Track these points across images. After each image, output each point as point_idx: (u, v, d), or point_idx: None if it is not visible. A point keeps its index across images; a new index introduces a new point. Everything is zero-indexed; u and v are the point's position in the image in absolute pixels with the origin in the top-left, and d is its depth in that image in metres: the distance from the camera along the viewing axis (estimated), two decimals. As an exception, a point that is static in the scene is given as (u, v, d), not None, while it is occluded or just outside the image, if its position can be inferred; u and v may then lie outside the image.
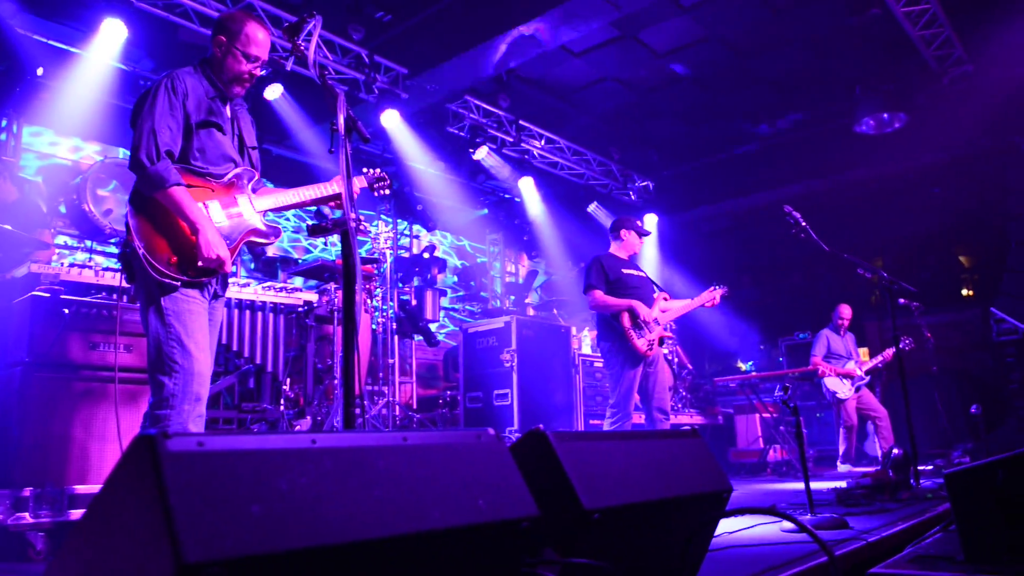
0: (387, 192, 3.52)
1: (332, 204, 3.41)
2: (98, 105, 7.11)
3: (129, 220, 2.87)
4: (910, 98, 8.84)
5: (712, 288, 5.75)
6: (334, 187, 3.35)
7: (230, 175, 3.10)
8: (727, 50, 8.97)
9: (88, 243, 7.04)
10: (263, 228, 3.17)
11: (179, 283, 2.86)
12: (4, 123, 7.21)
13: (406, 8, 7.99)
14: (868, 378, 7.88)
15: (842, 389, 7.78)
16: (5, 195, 5.28)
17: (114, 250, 6.95)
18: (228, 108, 3.20)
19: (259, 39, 3.11)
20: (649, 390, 5.32)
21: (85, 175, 6.50)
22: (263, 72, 3.26)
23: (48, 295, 3.71)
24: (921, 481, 4.92)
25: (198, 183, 3.00)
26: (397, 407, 6.73)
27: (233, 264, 3.31)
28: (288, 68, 3.52)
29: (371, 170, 3.53)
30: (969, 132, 9.38)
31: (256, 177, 3.20)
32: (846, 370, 7.83)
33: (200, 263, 2.87)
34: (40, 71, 6.75)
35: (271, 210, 3.24)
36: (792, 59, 9.21)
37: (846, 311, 8.17)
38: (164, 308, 2.84)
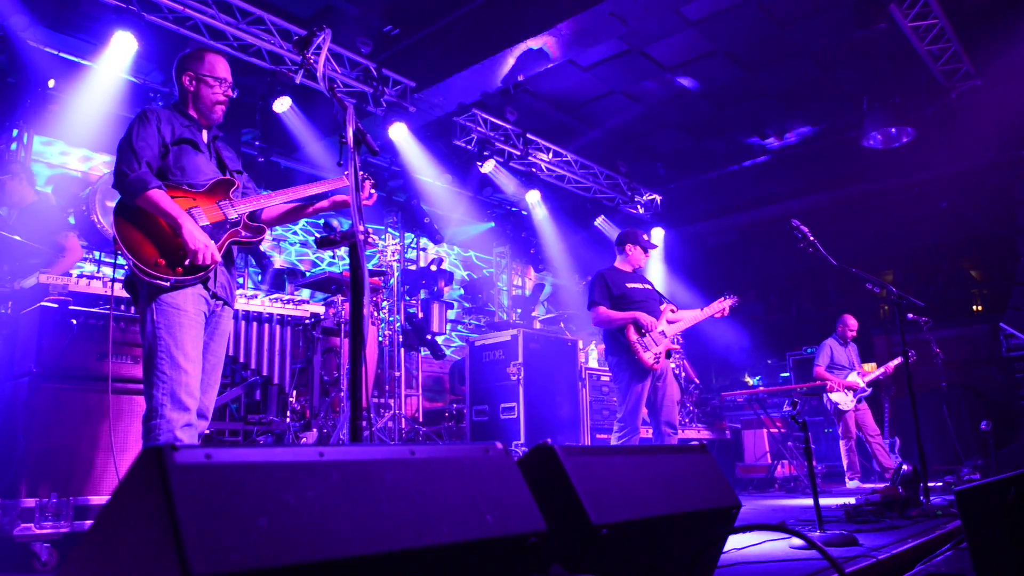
0: (372, 192, 3.53)
1: (324, 205, 3.44)
2: (108, 117, 7.16)
3: (116, 232, 2.98)
4: (918, 112, 8.83)
5: (722, 299, 5.72)
6: (315, 189, 3.46)
7: (209, 185, 3.20)
8: (734, 64, 8.99)
9: (97, 254, 7.07)
10: (244, 231, 3.25)
11: (168, 283, 2.94)
12: (15, 133, 7.27)
13: (414, 22, 8.04)
14: (870, 390, 7.83)
15: (844, 400, 7.75)
16: (21, 197, 5.31)
17: (123, 261, 6.97)
18: (205, 134, 3.35)
19: (220, 64, 3.33)
20: (658, 404, 5.29)
21: (94, 186, 6.53)
22: (234, 94, 3.37)
23: (56, 306, 3.71)
24: (931, 498, 4.88)
25: (179, 194, 3.10)
26: (403, 420, 6.72)
27: (235, 269, 3.34)
28: (297, 81, 3.55)
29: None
30: (977, 146, 9.37)
31: (236, 187, 3.28)
32: (848, 381, 7.80)
33: (187, 259, 2.96)
34: (52, 83, 6.81)
35: (251, 212, 3.32)
36: (799, 73, 9.23)
37: (852, 322, 8.13)
38: (156, 321, 2.95)
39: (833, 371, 7.93)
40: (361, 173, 3.54)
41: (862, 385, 7.78)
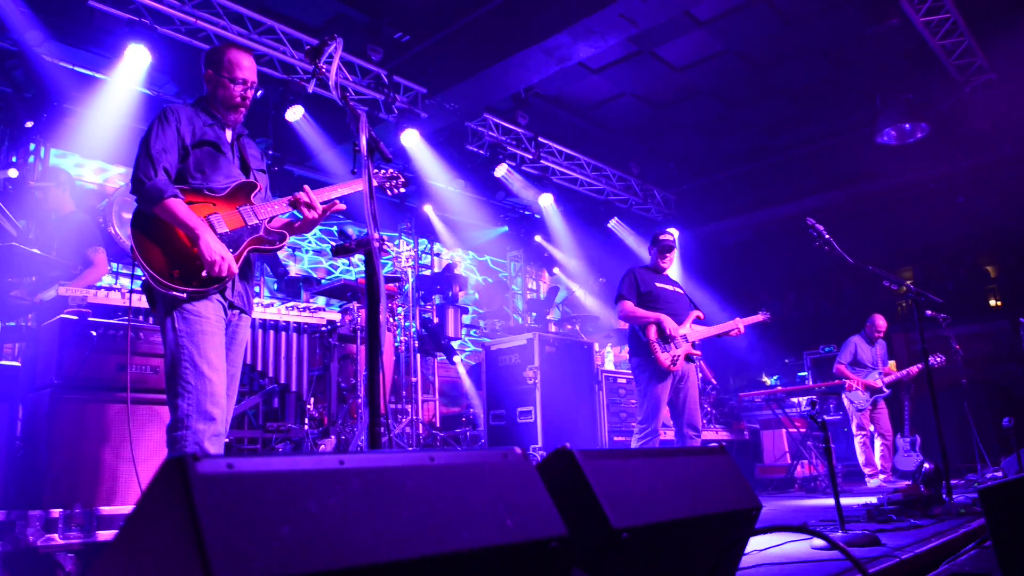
0: (402, 190, 3.50)
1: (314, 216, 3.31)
2: (123, 129, 7.23)
3: (132, 241, 2.93)
4: (932, 108, 8.77)
5: (760, 314, 5.77)
6: (327, 193, 3.35)
7: (230, 189, 3.15)
8: (744, 63, 8.97)
9: (114, 266, 7.12)
10: (266, 235, 3.20)
11: (185, 295, 2.90)
12: (32, 147, 7.35)
13: (424, 28, 8.07)
14: (888, 392, 7.77)
15: (859, 399, 7.72)
16: (62, 205, 5.36)
17: (140, 272, 7.03)
18: (228, 133, 3.28)
19: (243, 64, 3.24)
20: (680, 406, 5.27)
21: (111, 198, 6.59)
22: (257, 94, 3.31)
23: (76, 318, 3.75)
24: (954, 496, 4.83)
25: (198, 199, 3.05)
26: (420, 425, 6.73)
27: (252, 277, 3.32)
28: (310, 91, 3.54)
29: (382, 170, 3.52)
30: (993, 140, 9.30)
31: (258, 189, 3.22)
32: (867, 381, 7.76)
33: (204, 271, 2.91)
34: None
35: (272, 217, 3.24)
36: (810, 70, 9.19)
37: (880, 322, 8.07)
38: (178, 329, 2.90)
39: (855, 369, 7.88)
40: (389, 170, 3.54)
41: (880, 385, 7.73)
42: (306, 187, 3.26)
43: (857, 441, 7.73)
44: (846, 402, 7.90)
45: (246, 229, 3.13)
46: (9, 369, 3.74)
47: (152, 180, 2.93)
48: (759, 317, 5.80)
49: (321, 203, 3.25)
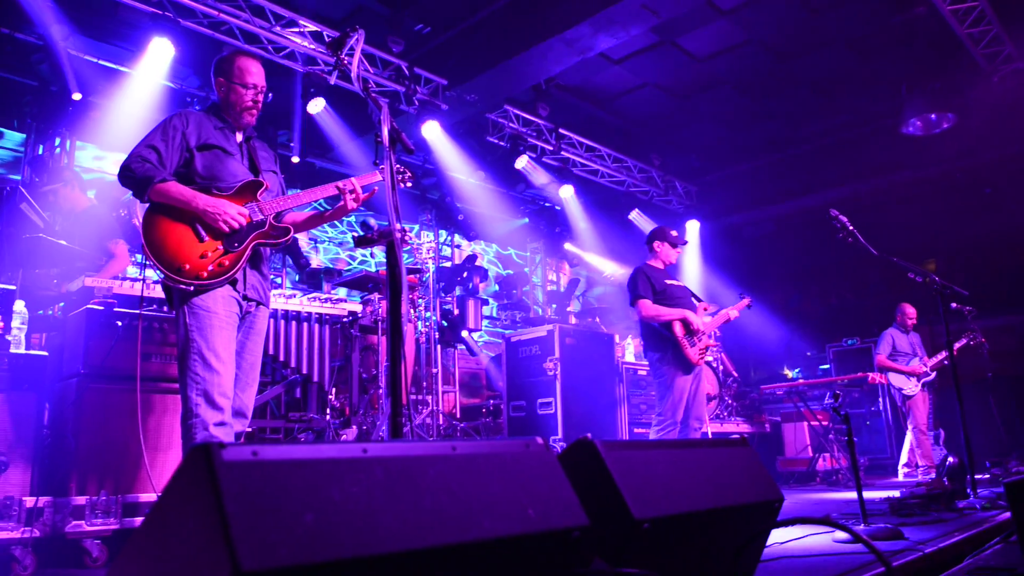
0: (408, 184, 3.54)
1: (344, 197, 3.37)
2: (147, 122, 7.28)
3: (143, 240, 3.05)
4: (958, 97, 8.63)
5: (742, 300, 5.82)
6: (376, 177, 3.43)
7: (237, 187, 3.25)
8: (768, 53, 8.88)
9: (138, 257, 7.20)
10: (271, 231, 3.27)
11: (192, 287, 3.01)
12: (57, 141, 7.44)
13: (445, 20, 8.06)
14: (934, 375, 7.64)
15: (908, 386, 7.59)
16: (74, 203, 5.43)
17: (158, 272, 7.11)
18: (239, 135, 3.40)
19: (252, 70, 3.36)
20: (690, 399, 5.31)
21: (135, 190, 6.65)
22: (267, 98, 3.40)
23: (102, 308, 3.79)
24: (978, 490, 4.79)
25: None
26: (441, 416, 6.75)
27: (266, 270, 3.37)
28: (332, 82, 3.58)
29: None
30: (1021, 130, 9.14)
31: (265, 188, 3.30)
32: (911, 367, 7.63)
33: (211, 252, 3.03)
34: (77, 96, 6.93)
35: (279, 212, 3.34)
36: (834, 60, 9.08)
37: (910, 309, 7.99)
38: (188, 324, 3.02)
39: (896, 359, 7.78)
40: (397, 167, 3.56)
41: (925, 370, 7.62)
42: (352, 178, 3.38)
43: (910, 433, 7.52)
44: (895, 394, 7.75)
45: (251, 224, 3.21)
46: (36, 358, 3.79)
47: (141, 169, 3.07)
48: (740, 303, 5.84)
49: (362, 187, 3.37)
